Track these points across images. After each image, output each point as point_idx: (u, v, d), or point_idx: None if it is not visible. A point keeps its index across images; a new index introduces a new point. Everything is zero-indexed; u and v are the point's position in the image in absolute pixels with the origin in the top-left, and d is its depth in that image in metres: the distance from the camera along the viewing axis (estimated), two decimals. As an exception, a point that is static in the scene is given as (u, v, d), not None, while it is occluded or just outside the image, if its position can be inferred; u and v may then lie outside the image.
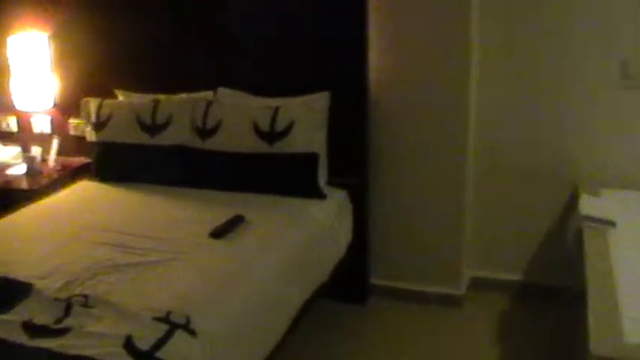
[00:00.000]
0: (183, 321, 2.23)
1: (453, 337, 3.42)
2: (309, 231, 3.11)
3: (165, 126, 3.52)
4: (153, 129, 3.53)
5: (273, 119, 3.31)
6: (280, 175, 3.35)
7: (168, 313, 2.25)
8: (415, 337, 3.42)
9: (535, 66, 3.48)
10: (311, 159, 3.33)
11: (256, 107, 3.40)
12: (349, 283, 3.58)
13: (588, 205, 3.12)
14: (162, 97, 3.62)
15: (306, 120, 3.32)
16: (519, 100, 3.53)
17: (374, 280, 3.75)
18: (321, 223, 3.23)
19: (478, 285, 3.77)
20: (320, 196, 3.33)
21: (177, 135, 3.50)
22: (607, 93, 3.41)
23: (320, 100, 3.36)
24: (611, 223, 2.95)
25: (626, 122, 3.44)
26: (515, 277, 3.75)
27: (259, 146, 3.32)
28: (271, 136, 3.31)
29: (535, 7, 3.41)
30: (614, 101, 3.42)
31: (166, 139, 3.51)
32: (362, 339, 3.41)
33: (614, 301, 2.34)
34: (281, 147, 3.30)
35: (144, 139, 3.55)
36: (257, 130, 3.33)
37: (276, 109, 3.33)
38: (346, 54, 3.41)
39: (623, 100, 3.41)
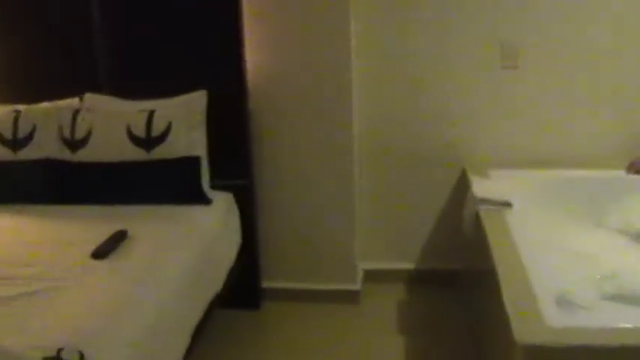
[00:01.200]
0: (76, 358, 1.99)
1: (353, 334, 3.33)
2: (197, 239, 2.92)
3: (28, 139, 3.21)
4: (15, 143, 3.22)
5: (149, 124, 3.09)
6: (161, 182, 3.13)
7: (59, 351, 2.00)
8: (314, 338, 3.30)
9: (417, 52, 3.45)
10: (192, 163, 3.13)
11: (129, 112, 3.16)
12: (240, 288, 3.40)
13: (482, 188, 3.10)
14: (22, 107, 3.30)
15: (183, 122, 3.12)
16: (402, 87, 3.50)
17: (266, 284, 3.61)
18: (209, 230, 3.04)
19: (374, 278, 3.70)
20: (205, 201, 3.15)
21: (43, 148, 3.20)
22: (488, 75, 3.45)
23: (197, 100, 3.17)
24: (508, 204, 2.93)
25: (507, 102, 3.48)
26: (410, 265, 3.72)
27: (136, 154, 3.09)
28: (148, 141, 3.08)
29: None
30: (496, 83, 3.46)
31: (31, 153, 3.21)
32: (258, 346, 3.26)
33: (527, 284, 2.29)
34: (160, 152, 3.09)
35: (6, 154, 3.23)
36: (132, 136, 3.09)
37: (151, 113, 3.11)
38: (222, 51, 3.23)
39: (504, 81, 3.45)
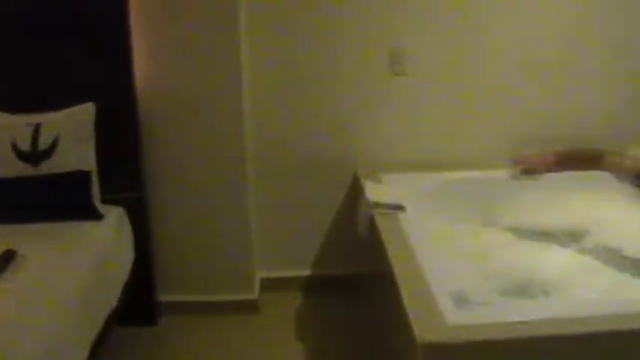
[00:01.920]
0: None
1: (252, 344, 3.30)
2: (89, 256, 2.82)
3: None
4: None
5: (35, 137, 2.98)
6: (50, 198, 3.02)
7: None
8: (212, 351, 3.25)
9: (308, 59, 3.48)
10: (82, 177, 3.04)
11: (14, 125, 3.03)
12: (136, 304, 3.32)
13: (375, 192, 3.14)
14: None
15: (71, 135, 3.03)
16: (294, 93, 3.52)
17: (163, 297, 3.53)
18: (101, 245, 2.95)
19: (271, 286, 3.69)
20: (96, 216, 3.06)
21: None
22: (379, 81, 3.52)
23: (85, 113, 3.08)
24: (401, 208, 2.98)
25: (398, 107, 3.56)
26: (307, 272, 3.72)
27: (22, 169, 2.97)
28: (34, 156, 2.98)
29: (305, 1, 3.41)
30: (386, 89, 3.54)
31: None
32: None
33: (424, 284, 2.34)
34: (48, 167, 2.98)
35: None
36: (17, 151, 2.98)
37: (37, 126, 3.00)
38: (110, 62, 3.14)
39: (394, 87, 3.53)
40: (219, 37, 3.23)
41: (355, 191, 3.46)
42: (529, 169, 3.52)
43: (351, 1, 3.41)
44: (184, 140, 3.35)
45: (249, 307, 3.54)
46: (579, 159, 3.57)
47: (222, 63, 3.26)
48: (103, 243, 2.97)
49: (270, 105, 3.51)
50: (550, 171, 3.53)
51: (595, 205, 3.35)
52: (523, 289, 2.72)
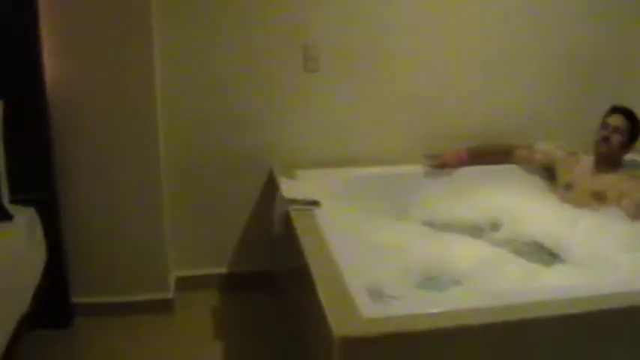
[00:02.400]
0: None
1: (168, 345, 3.25)
2: (-1, 259, 2.76)
3: None
4: None
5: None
6: (-45, 200, 2.93)
7: None
8: (128, 353, 3.19)
9: (223, 55, 3.47)
10: (-11, 178, 2.95)
11: None
12: (50, 306, 3.26)
13: (290, 188, 3.16)
14: None
15: (-23, 135, 2.94)
16: (208, 89, 3.50)
17: (77, 300, 3.45)
18: (11, 247, 2.87)
19: (187, 285, 3.66)
20: (5, 217, 2.97)
21: None
22: (292, 77, 3.54)
23: (-8, 111, 2.99)
24: (316, 204, 3.01)
25: (311, 104, 3.59)
26: (224, 269, 3.71)
27: None
28: (-62, 157, 2.88)
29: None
30: (300, 85, 3.56)
31: None
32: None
33: (340, 279, 2.37)
34: (-48, 168, 2.89)
35: None
36: None
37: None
38: (19, 59, 3.04)
39: (307, 83, 3.56)
40: (132, 35, 3.18)
41: (270, 188, 3.47)
42: (442, 164, 3.61)
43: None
44: (97, 140, 3.28)
45: (164, 307, 3.50)
46: (490, 154, 3.69)
47: (135, 60, 3.21)
48: (12, 245, 2.89)
49: (183, 103, 3.48)
50: (463, 166, 3.62)
51: (506, 197, 3.46)
52: (437, 281, 2.80)
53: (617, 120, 3.43)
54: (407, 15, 3.59)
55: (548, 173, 3.67)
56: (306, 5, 3.46)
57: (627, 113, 3.45)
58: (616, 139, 3.43)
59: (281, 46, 3.49)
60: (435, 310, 2.23)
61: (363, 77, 3.61)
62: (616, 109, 3.48)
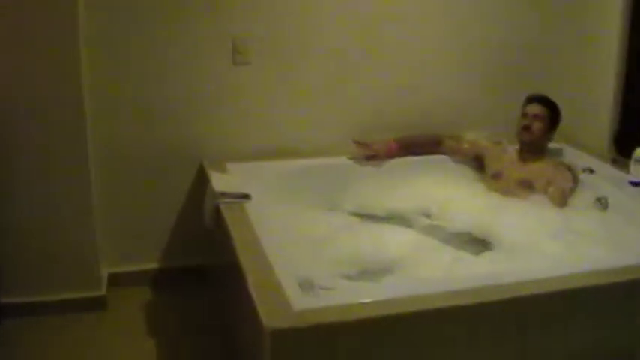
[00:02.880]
0: None
1: (100, 342, 3.19)
2: None
3: None
4: None
5: None
6: None
7: None
8: (59, 351, 3.12)
9: (151, 49, 3.43)
10: None
11: None
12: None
13: (220, 182, 3.15)
14: None
15: None
16: (135, 87, 3.45)
17: (5, 299, 3.37)
18: None
19: (119, 281, 3.60)
20: None
21: None
22: (222, 70, 3.52)
23: None
24: (246, 197, 3.01)
25: (242, 97, 3.58)
26: (156, 264, 3.67)
27: None
28: None
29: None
30: (229, 78, 3.55)
31: None
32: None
33: (270, 272, 2.37)
34: None
35: None
36: None
37: None
38: None
39: (237, 75, 3.55)
40: (57, 31, 3.10)
41: (201, 182, 3.45)
42: (372, 156, 3.64)
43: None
44: (24, 137, 3.19)
45: (96, 304, 3.44)
46: (420, 144, 3.74)
47: (60, 58, 3.12)
48: None
49: (111, 96, 3.42)
50: (392, 157, 3.66)
51: (435, 187, 3.51)
52: (368, 271, 2.82)
53: (535, 108, 3.51)
54: (336, 7, 3.61)
55: (477, 163, 3.74)
56: (235, -1, 3.45)
57: (544, 100, 3.53)
58: (537, 126, 3.50)
59: (209, 39, 3.46)
60: (366, 300, 2.24)
61: (293, 69, 3.62)
62: (532, 98, 3.55)
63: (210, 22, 3.45)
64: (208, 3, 3.42)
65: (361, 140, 3.64)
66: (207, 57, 3.48)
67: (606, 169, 3.69)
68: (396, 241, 3.03)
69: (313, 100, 3.69)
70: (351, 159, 3.63)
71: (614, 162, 3.77)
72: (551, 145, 3.69)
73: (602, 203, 3.34)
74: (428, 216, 3.40)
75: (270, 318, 2.09)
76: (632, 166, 3.43)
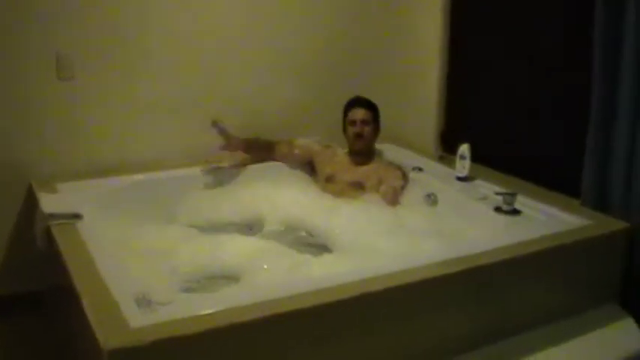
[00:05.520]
0: None
1: None
2: None
3: None
4: None
5: None
6: None
7: None
8: None
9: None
10: None
11: None
12: None
13: (49, 203, 3.03)
14: None
15: None
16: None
17: None
18: None
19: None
20: None
21: None
22: (46, 87, 3.39)
23: None
24: (78, 216, 2.92)
25: (67, 113, 3.48)
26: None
27: None
28: None
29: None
30: (54, 94, 3.42)
31: None
32: None
33: (106, 291, 2.31)
34: None
35: None
36: None
37: None
38: None
39: (62, 92, 3.44)
40: None
41: (31, 204, 3.30)
42: (225, 145, 3.62)
43: (14, 5, 3.25)
44: None
45: None
46: (257, 147, 3.73)
47: None
48: None
49: None
50: (239, 151, 3.65)
51: (271, 192, 3.54)
52: (209, 281, 2.81)
53: (361, 113, 3.62)
54: (163, 19, 3.59)
55: (309, 168, 3.81)
56: (58, 12, 3.34)
57: (367, 104, 3.64)
58: (367, 131, 3.62)
59: (33, 54, 3.33)
60: (206, 312, 2.22)
61: (121, 83, 3.55)
62: (354, 103, 3.65)
63: (34, 35, 3.31)
64: (30, 17, 3.29)
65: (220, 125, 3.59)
66: (31, 72, 3.34)
67: (434, 166, 3.85)
68: (235, 249, 3.02)
69: (144, 112, 3.63)
70: (185, 171, 3.60)
71: (441, 159, 3.94)
72: (380, 146, 3.81)
73: (432, 199, 3.48)
74: (264, 222, 3.43)
75: (107, 338, 2.02)
76: (458, 162, 3.60)
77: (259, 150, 3.77)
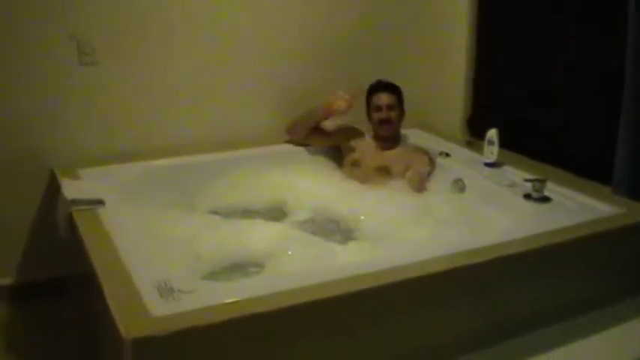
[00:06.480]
0: None
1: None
2: None
3: None
4: None
5: None
6: None
7: None
8: None
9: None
10: None
11: None
12: None
13: (72, 189, 3.01)
14: None
15: None
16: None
17: None
18: None
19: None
20: None
21: None
22: (68, 72, 3.35)
23: None
24: (100, 202, 2.89)
25: (90, 98, 3.44)
26: (10, 280, 3.46)
27: None
28: None
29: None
30: (76, 80, 3.38)
31: None
32: None
33: (128, 279, 2.28)
34: None
35: None
36: None
37: None
38: None
39: (84, 77, 3.40)
40: None
41: (54, 190, 3.28)
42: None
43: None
44: None
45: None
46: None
47: None
48: None
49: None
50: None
51: (294, 179, 3.50)
52: (235, 268, 2.77)
53: (386, 98, 3.56)
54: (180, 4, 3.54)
55: (335, 153, 3.74)
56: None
57: (391, 87, 3.57)
58: (394, 116, 3.56)
59: (53, 39, 3.29)
60: (228, 300, 2.19)
61: (143, 67, 3.51)
62: (378, 87, 3.58)
63: (53, 20, 3.27)
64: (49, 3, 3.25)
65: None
66: (52, 58, 3.30)
67: (461, 152, 3.78)
68: (260, 236, 2.98)
69: (164, 99, 3.59)
70: (207, 157, 3.57)
71: (468, 144, 3.87)
72: (406, 130, 3.75)
73: (459, 185, 3.41)
74: (290, 209, 3.37)
75: (128, 327, 2.00)
76: (486, 148, 3.53)
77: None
